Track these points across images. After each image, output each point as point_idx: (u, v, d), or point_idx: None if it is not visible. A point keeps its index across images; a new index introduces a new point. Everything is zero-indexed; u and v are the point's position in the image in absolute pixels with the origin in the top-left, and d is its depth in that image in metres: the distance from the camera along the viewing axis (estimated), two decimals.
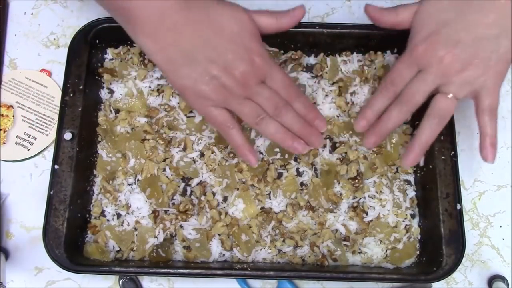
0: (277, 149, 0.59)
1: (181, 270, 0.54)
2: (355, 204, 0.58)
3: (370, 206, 0.58)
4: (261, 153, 0.60)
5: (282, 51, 0.63)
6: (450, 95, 0.51)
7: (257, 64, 0.51)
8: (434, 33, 0.50)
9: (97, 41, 0.61)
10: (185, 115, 0.61)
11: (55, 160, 0.56)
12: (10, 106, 0.63)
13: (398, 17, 0.54)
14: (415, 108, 0.52)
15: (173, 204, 0.58)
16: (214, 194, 0.59)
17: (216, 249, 0.57)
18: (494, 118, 0.52)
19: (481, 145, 0.52)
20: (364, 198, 0.58)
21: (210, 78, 0.50)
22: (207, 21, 0.50)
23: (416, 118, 0.60)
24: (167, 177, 0.59)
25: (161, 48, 0.50)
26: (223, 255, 0.57)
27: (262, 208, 0.58)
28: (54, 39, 0.66)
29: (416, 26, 0.52)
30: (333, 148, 0.60)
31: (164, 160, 0.60)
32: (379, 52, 0.62)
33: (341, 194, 0.59)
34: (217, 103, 0.52)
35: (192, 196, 0.59)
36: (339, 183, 0.59)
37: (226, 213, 0.58)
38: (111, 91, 0.62)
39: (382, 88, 0.54)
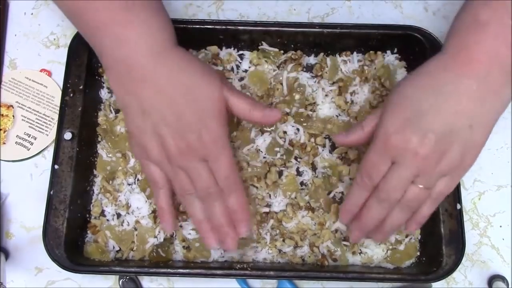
0: (277, 149, 0.59)
1: (181, 270, 0.54)
2: None
3: None
4: (261, 152, 0.60)
5: (282, 51, 0.63)
6: (421, 186, 0.48)
7: (205, 142, 0.49)
8: (406, 123, 0.47)
9: None
10: None
11: (55, 160, 0.56)
12: (10, 106, 0.63)
13: (364, 131, 0.52)
14: (394, 204, 0.50)
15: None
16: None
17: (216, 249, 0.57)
18: (437, 203, 0.51)
19: (412, 217, 0.52)
20: None
21: (156, 136, 0.49)
22: (176, 82, 0.49)
23: None
24: None
25: (124, 93, 0.50)
26: (223, 256, 0.57)
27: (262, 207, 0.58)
28: (54, 39, 0.66)
29: (385, 118, 0.49)
30: (333, 148, 0.60)
31: None
32: (379, 52, 0.62)
33: (342, 193, 0.59)
34: (154, 161, 0.51)
35: None
36: (342, 183, 0.59)
37: None
38: (111, 91, 0.62)
39: (359, 181, 0.51)
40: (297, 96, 0.61)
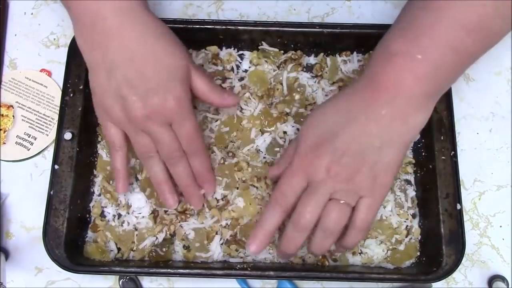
0: (277, 148, 0.59)
1: (181, 270, 0.54)
2: None
3: None
4: (261, 152, 0.60)
5: (282, 51, 0.63)
6: (342, 201, 0.49)
7: (169, 105, 0.49)
8: (320, 143, 0.49)
9: None
10: None
11: (55, 160, 0.56)
12: (10, 106, 0.63)
13: (280, 167, 0.54)
14: (310, 227, 0.49)
15: None
16: (213, 193, 0.58)
17: (216, 249, 0.57)
18: (362, 235, 0.50)
19: (337, 243, 0.52)
20: None
21: (119, 98, 0.49)
22: (142, 42, 0.49)
23: None
24: None
25: (89, 49, 0.50)
26: (223, 255, 0.57)
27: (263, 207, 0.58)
28: (54, 39, 0.66)
29: (302, 137, 0.51)
30: None
31: None
32: None
33: None
34: (116, 122, 0.51)
35: None
36: None
37: (227, 212, 0.58)
38: None
39: (273, 202, 0.51)
40: (297, 96, 0.61)
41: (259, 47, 0.63)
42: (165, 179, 0.54)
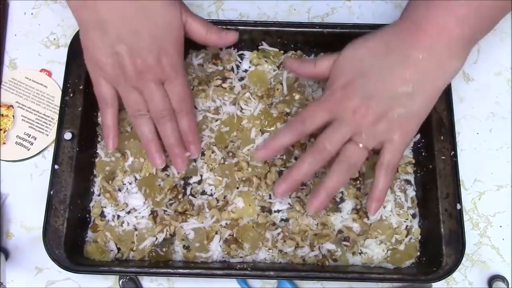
0: None
1: (181, 270, 0.54)
2: (358, 207, 0.58)
3: None
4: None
5: (282, 51, 0.63)
6: (361, 145, 0.50)
7: (162, 64, 0.51)
8: (351, 82, 0.50)
9: None
10: None
11: (55, 160, 0.56)
12: (10, 106, 0.63)
13: (316, 67, 0.55)
14: (327, 159, 0.51)
15: (170, 204, 0.58)
16: (213, 193, 0.59)
17: (216, 249, 0.57)
18: (389, 175, 0.52)
19: (369, 196, 0.53)
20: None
21: (113, 54, 0.50)
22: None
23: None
24: (166, 174, 0.59)
25: (79, 6, 0.50)
26: (223, 255, 0.57)
27: (263, 207, 0.58)
28: (54, 39, 0.66)
29: (335, 73, 0.52)
30: None
31: None
32: None
33: (342, 193, 0.59)
34: (108, 78, 0.52)
35: (191, 197, 0.59)
36: None
37: (226, 212, 0.58)
38: None
39: (291, 123, 0.53)
40: (297, 96, 0.61)
41: (259, 47, 0.63)
42: (153, 138, 0.55)
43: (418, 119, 0.51)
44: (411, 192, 0.59)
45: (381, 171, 0.52)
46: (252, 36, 0.61)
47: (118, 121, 0.56)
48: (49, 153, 0.62)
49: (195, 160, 0.59)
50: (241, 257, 0.57)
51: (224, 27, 0.60)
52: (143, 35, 0.50)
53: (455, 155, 0.57)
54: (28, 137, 0.62)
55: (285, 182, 0.52)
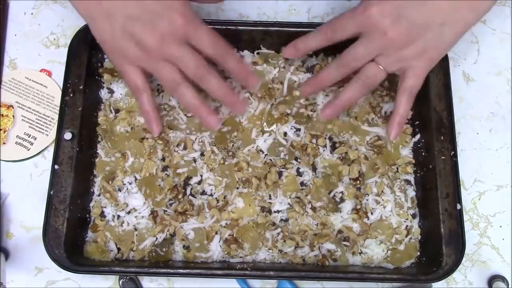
0: (281, 148, 0.59)
1: (181, 270, 0.54)
2: (358, 207, 0.58)
3: (372, 208, 0.58)
4: (262, 152, 0.60)
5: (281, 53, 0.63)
6: (381, 67, 0.52)
7: (178, 24, 0.49)
8: (388, 5, 0.51)
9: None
10: (185, 115, 0.61)
11: (55, 160, 0.56)
12: (10, 106, 0.63)
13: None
14: (348, 73, 0.54)
15: (170, 205, 0.58)
16: (213, 193, 0.59)
17: (216, 249, 0.57)
18: (411, 100, 0.54)
19: (390, 121, 0.55)
20: (367, 200, 0.58)
21: (128, 35, 0.50)
22: None
23: (416, 119, 0.60)
24: (166, 174, 0.59)
25: (84, 3, 0.50)
26: (223, 255, 0.57)
27: (262, 207, 0.58)
28: (54, 39, 0.66)
29: None
30: (333, 148, 0.60)
31: (163, 160, 0.59)
32: None
33: (342, 193, 0.59)
34: (134, 62, 0.51)
35: (191, 197, 0.59)
36: (342, 183, 0.59)
37: (226, 213, 0.58)
38: (111, 91, 0.62)
39: (322, 28, 0.55)
40: (297, 93, 0.61)
41: (259, 52, 0.62)
42: (201, 102, 0.53)
43: (444, 50, 0.53)
44: (411, 192, 0.59)
45: (403, 96, 0.54)
46: (252, 36, 0.61)
47: (155, 105, 0.56)
48: (49, 153, 0.62)
49: (195, 160, 0.59)
50: (241, 257, 0.57)
51: (224, 27, 0.60)
52: (150, 4, 0.49)
53: (455, 155, 0.57)
54: (28, 137, 0.62)
55: (310, 85, 0.58)
